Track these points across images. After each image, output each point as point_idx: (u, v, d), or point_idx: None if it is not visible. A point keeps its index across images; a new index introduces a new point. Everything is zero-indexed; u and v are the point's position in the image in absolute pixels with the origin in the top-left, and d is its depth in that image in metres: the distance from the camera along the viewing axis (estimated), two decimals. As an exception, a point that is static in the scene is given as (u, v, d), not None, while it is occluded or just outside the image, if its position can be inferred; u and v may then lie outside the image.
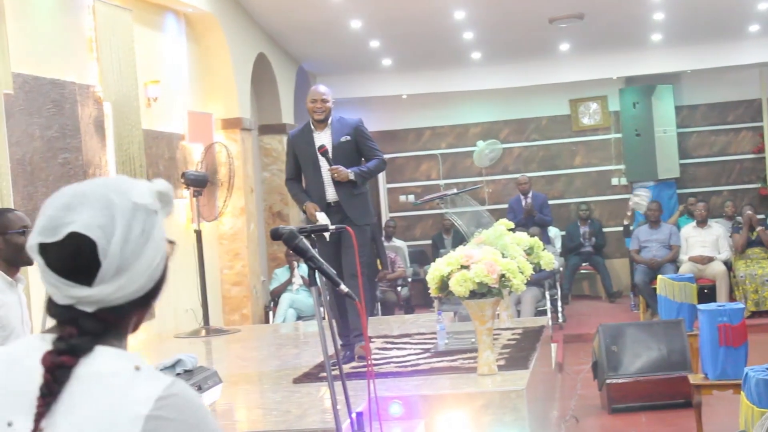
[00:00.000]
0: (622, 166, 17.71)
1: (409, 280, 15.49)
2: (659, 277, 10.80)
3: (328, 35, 14.91)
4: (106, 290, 1.90)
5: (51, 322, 1.95)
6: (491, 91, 17.60)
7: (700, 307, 8.03)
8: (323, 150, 8.08)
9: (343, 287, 4.48)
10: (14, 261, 5.31)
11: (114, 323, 1.95)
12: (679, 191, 17.35)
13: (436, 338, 8.59)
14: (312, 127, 8.31)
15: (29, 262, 5.38)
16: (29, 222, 5.41)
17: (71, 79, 9.39)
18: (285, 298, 13.15)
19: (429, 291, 7.17)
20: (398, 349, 8.67)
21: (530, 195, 15.52)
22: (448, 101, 18.04)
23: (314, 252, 4.44)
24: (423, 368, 7.60)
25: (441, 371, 7.44)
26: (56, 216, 1.90)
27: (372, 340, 9.19)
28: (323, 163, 8.13)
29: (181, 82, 12.36)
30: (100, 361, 1.89)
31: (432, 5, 13.70)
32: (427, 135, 18.50)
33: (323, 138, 8.23)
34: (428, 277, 7.08)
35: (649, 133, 17.02)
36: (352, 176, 8.09)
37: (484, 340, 7.03)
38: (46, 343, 1.91)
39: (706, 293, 13.47)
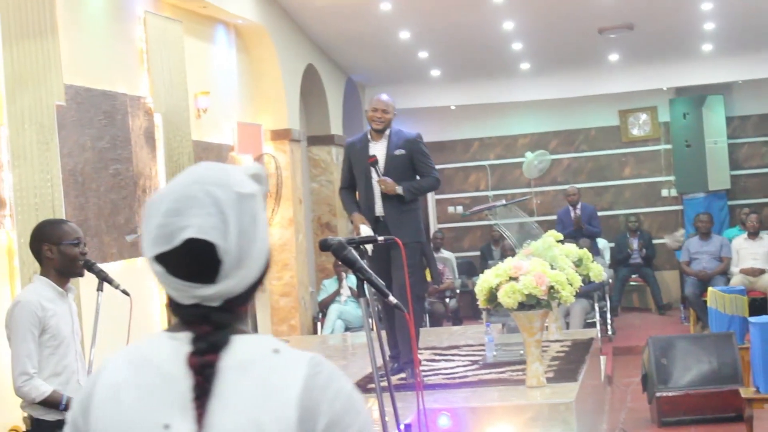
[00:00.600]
0: (672, 178, 17.59)
1: (458, 291, 15.46)
2: (710, 289, 10.73)
3: (376, 46, 14.94)
4: (230, 283, 1.93)
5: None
6: (540, 101, 17.55)
7: (752, 319, 7.98)
8: (372, 160, 7.96)
9: (392, 298, 4.48)
10: (67, 272, 5.37)
11: (240, 309, 1.99)
12: (729, 203, 17.19)
13: (484, 350, 8.57)
14: (369, 136, 8.20)
15: (81, 274, 5.44)
16: (82, 234, 5.47)
17: (122, 91, 9.47)
18: (333, 309, 13.17)
19: (477, 302, 7.15)
20: (446, 360, 8.66)
21: (579, 206, 15.45)
22: (497, 112, 18.00)
23: (363, 263, 4.44)
24: (471, 380, 7.58)
25: (489, 383, 7.42)
26: (167, 223, 1.90)
27: (420, 351, 9.18)
28: (374, 174, 8.01)
29: (231, 93, 12.43)
30: (240, 351, 1.92)
31: (481, 16, 13.69)
32: (475, 146, 18.47)
33: (378, 148, 8.10)
34: (477, 289, 7.07)
35: (699, 143, 16.89)
36: (399, 190, 7.93)
37: (532, 352, 7.01)
38: (177, 342, 1.93)
39: (758, 306, 13.32)
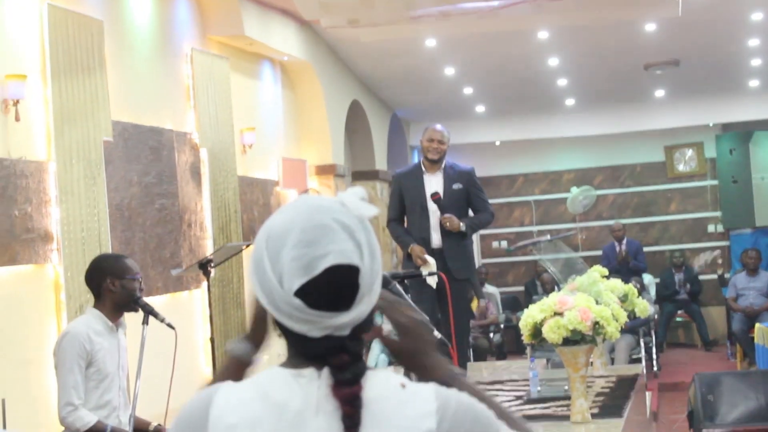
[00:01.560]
0: (718, 213, 17.50)
1: (502, 326, 15.41)
2: (757, 325, 10.65)
3: (421, 82, 15.00)
4: (362, 309, 1.92)
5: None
6: (585, 137, 17.54)
7: (799, 356, 7.90)
8: (437, 197, 7.89)
9: (437, 333, 4.48)
10: (125, 306, 5.43)
11: (365, 339, 1.99)
12: (777, 239, 17.08)
13: (528, 385, 8.52)
14: (423, 168, 8.15)
15: (136, 309, 5.49)
16: (139, 269, 5.56)
17: (169, 127, 9.55)
18: (377, 344, 13.12)
19: (522, 337, 7.12)
20: (491, 395, 8.62)
21: (625, 242, 15.38)
22: (542, 148, 18.00)
23: (407, 297, 4.46)
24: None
25: (534, 418, 7.37)
26: (303, 254, 1.87)
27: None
28: (432, 207, 7.93)
29: (276, 129, 12.50)
30: (374, 385, 1.91)
31: (526, 52, 13.72)
32: (520, 181, 18.48)
33: (434, 181, 8.04)
34: (521, 323, 7.03)
35: (746, 179, 16.80)
36: (463, 227, 7.90)
37: (577, 388, 6.96)
38: (305, 380, 1.90)
39: (806, 342, 13.21)
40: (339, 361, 1.90)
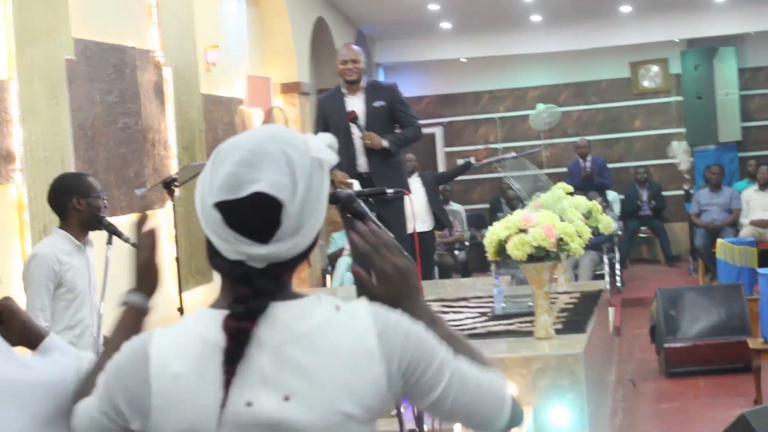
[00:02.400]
0: (682, 130, 17.56)
1: (467, 243, 15.48)
2: (719, 240, 10.75)
3: (386, -1, 14.90)
4: (282, 248, 1.92)
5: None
6: (550, 54, 17.50)
7: (761, 270, 8.00)
8: (352, 116, 7.64)
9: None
10: (90, 224, 5.41)
11: (284, 278, 1.98)
12: (740, 154, 17.16)
13: (493, 302, 8.59)
14: (343, 90, 7.86)
15: (100, 228, 5.47)
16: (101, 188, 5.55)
17: (131, 45, 9.46)
18: (342, 262, 13.19)
19: (486, 255, 7.16)
20: (455, 312, 8.69)
21: (589, 159, 15.43)
22: (507, 64, 17.96)
23: (373, 215, 4.46)
24: (480, 331, 7.61)
25: (498, 335, 7.44)
26: (238, 173, 1.89)
27: (429, 303, 9.21)
28: (355, 130, 7.68)
29: (241, 47, 12.41)
30: (306, 319, 1.92)
31: (490, -32, 13.63)
32: (485, 98, 18.45)
33: (355, 102, 7.79)
34: (486, 241, 7.07)
35: (710, 95, 16.84)
36: (386, 144, 7.65)
37: (541, 304, 7.03)
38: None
39: (767, 257, 13.33)
40: (240, 292, 1.91)
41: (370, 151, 7.63)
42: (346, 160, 7.62)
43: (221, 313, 1.93)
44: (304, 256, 1.98)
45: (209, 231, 1.94)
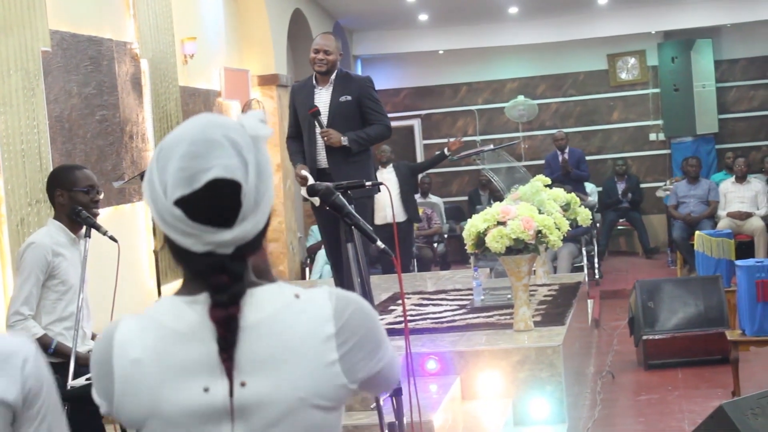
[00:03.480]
0: (660, 122, 17.61)
1: (445, 236, 15.50)
2: (697, 233, 10.77)
3: (364, -10, 14.87)
4: (246, 227, 1.92)
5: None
6: (528, 46, 17.51)
7: (738, 263, 8.01)
8: (313, 111, 7.28)
9: (380, 244, 4.46)
10: (72, 218, 5.38)
11: (250, 259, 1.99)
12: (717, 146, 17.24)
13: (472, 294, 8.60)
14: (314, 81, 7.52)
15: (88, 222, 5.43)
16: (96, 181, 5.49)
17: (108, 36, 9.41)
18: (321, 255, 13.18)
19: (465, 247, 7.16)
20: (434, 305, 8.69)
21: (567, 151, 15.46)
22: (485, 56, 17.96)
23: (350, 208, 4.44)
24: (459, 324, 7.62)
25: (477, 327, 7.45)
26: (187, 166, 1.89)
27: (408, 296, 9.21)
28: (316, 125, 7.38)
29: (218, 39, 12.37)
30: (264, 304, 1.94)
31: (468, -40, 13.62)
32: (463, 91, 18.45)
33: (323, 95, 7.44)
34: (464, 233, 7.07)
35: (687, 88, 16.89)
36: (345, 142, 7.27)
37: (520, 296, 7.04)
38: (199, 306, 1.92)
39: (744, 249, 13.38)
40: (217, 281, 1.91)
41: (331, 147, 7.29)
42: (310, 155, 7.39)
43: (183, 301, 1.95)
44: (263, 233, 2.00)
45: (171, 231, 1.94)
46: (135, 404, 1.93)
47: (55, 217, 5.46)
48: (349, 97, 7.39)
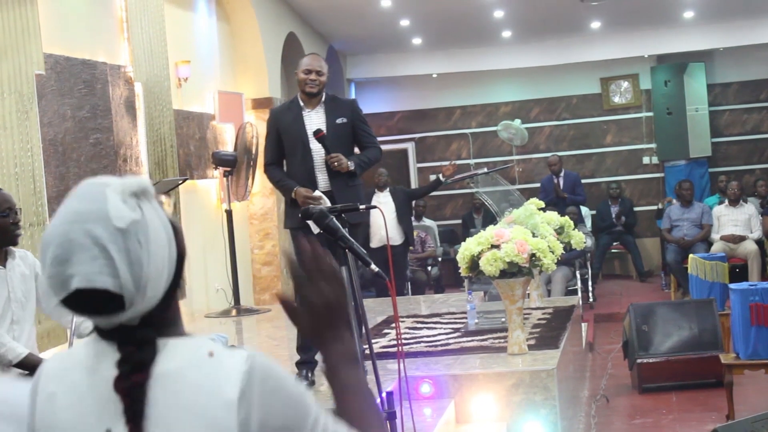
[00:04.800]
0: (653, 145, 17.63)
1: (439, 259, 15.49)
2: (691, 256, 10.76)
3: (358, 14, 14.89)
4: (140, 305, 1.87)
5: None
6: (521, 69, 17.55)
7: (732, 286, 8.00)
8: (320, 135, 6.98)
9: (374, 267, 4.46)
10: None
11: (163, 317, 1.93)
12: (711, 170, 17.27)
13: (466, 318, 8.60)
14: (301, 103, 7.20)
15: (11, 243, 5.30)
16: (14, 203, 5.30)
17: (102, 60, 9.42)
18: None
19: (459, 270, 7.16)
20: (428, 328, 8.69)
21: (562, 175, 15.48)
22: (479, 80, 17.99)
23: (344, 231, 4.44)
24: (453, 348, 7.61)
25: (471, 351, 7.45)
26: (55, 273, 1.85)
27: (402, 319, 9.20)
28: (315, 146, 7.06)
29: (212, 62, 12.38)
30: (173, 358, 1.88)
31: (462, -16, 13.66)
32: (457, 114, 18.47)
33: (315, 118, 7.15)
34: (459, 257, 7.07)
35: (680, 111, 16.93)
36: (352, 167, 7.06)
37: (514, 320, 7.03)
38: (109, 346, 1.89)
39: (738, 272, 13.40)
40: (124, 351, 1.87)
41: (332, 171, 7.05)
42: (305, 178, 7.11)
43: (99, 343, 1.92)
44: (171, 293, 1.94)
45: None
46: None
47: None
48: (345, 120, 7.18)
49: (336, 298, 2.01)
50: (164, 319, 1.94)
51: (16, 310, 5.26)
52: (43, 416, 1.93)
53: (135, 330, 1.88)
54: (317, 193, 6.95)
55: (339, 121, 7.14)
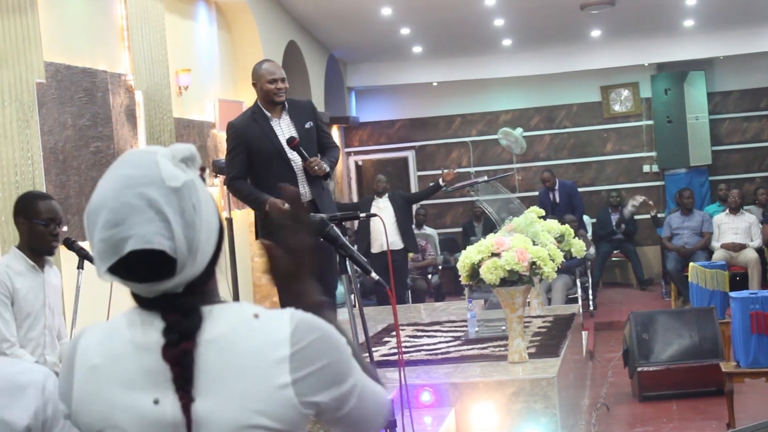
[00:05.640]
0: (653, 153, 17.64)
1: (440, 267, 15.49)
2: (691, 264, 10.75)
3: (358, 23, 14.91)
4: (188, 272, 1.90)
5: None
6: (522, 78, 17.56)
7: (732, 294, 7.99)
8: (295, 143, 6.79)
9: (374, 275, 4.46)
10: (34, 248, 5.33)
11: (205, 286, 1.96)
12: (711, 178, 17.27)
13: (466, 326, 8.59)
14: (267, 113, 7.04)
15: (49, 252, 5.38)
16: (59, 215, 5.40)
17: (103, 68, 9.43)
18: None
19: (460, 278, 7.15)
20: (429, 336, 8.68)
21: (557, 187, 15.47)
22: (479, 88, 18.01)
23: (345, 240, 4.44)
24: (453, 356, 7.60)
25: (471, 359, 7.43)
26: (108, 237, 1.86)
27: (402, 327, 9.19)
28: (293, 156, 6.92)
29: (212, 71, 12.39)
30: (220, 322, 1.91)
31: (462, -8, 13.67)
32: (457, 122, 18.48)
33: (284, 126, 7.02)
34: (459, 265, 7.06)
35: (680, 119, 16.94)
36: (327, 169, 6.92)
37: (514, 328, 7.02)
38: (152, 317, 1.91)
39: (738, 281, 13.40)
40: (170, 319, 1.89)
41: (311, 178, 6.95)
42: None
43: (142, 314, 1.93)
44: (213, 262, 1.98)
45: (121, 284, 1.94)
46: (91, 411, 1.93)
47: (19, 245, 5.42)
48: (311, 123, 7.06)
49: (308, 243, 2.08)
50: (206, 288, 1.96)
51: (48, 316, 5.36)
52: (84, 389, 1.94)
53: (179, 298, 1.90)
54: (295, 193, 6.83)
55: (307, 125, 7.03)
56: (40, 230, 5.31)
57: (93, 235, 1.90)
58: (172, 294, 1.90)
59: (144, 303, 1.94)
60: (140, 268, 1.87)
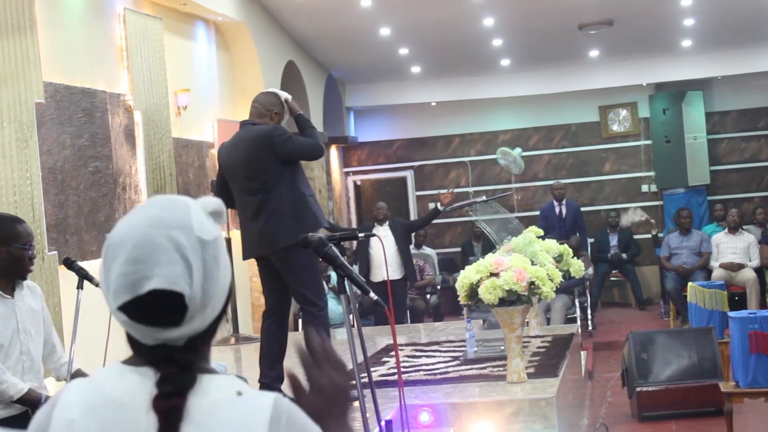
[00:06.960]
0: (652, 173, 17.66)
1: (438, 287, 15.47)
2: (690, 284, 10.75)
3: (357, 43, 14.94)
4: (195, 325, 1.89)
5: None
6: (520, 97, 17.59)
7: (731, 314, 7.99)
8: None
9: (373, 295, 4.46)
10: (10, 273, 5.06)
11: (203, 346, 1.95)
12: (709, 198, 17.28)
13: (465, 346, 8.58)
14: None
15: (23, 276, 5.18)
16: (33, 235, 5.25)
17: (102, 88, 9.45)
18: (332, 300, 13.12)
19: (458, 298, 7.15)
20: (427, 356, 8.67)
21: (564, 202, 15.49)
22: (477, 108, 18.03)
23: (343, 260, 4.44)
24: (452, 376, 7.59)
25: (470, 379, 7.43)
26: (129, 272, 1.85)
27: (401, 347, 9.18)
28: None
29: (211, 91, 12.41)
30: (205, 392, 1.88)
31: (461, 12, 13.71)
32: (456, 142, 18.50)
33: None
34: (457, 285, 7.06)
35: (679, 139, 16.96)
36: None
37: (513, 348, 7.02)
38: (140, 376, 1.88)
39: (737, 300, 13.39)
40: (166, 371, 1.87)
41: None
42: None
43: (128, 370, 1.91)
44: (218, 321, 1.97)
45: (123, 326, 1.92)
46: None
47: None
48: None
49: (342, 385, 2.02)
50: (204, 347, 1.95)
51: (24, 341, 5.16)
52: None
53: (178, 350, 1.89)
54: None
55: None
56: (20, 254, 5.07)
57: (111, 269, 1.88)
58: (171, 346, 1.89)
59: (141, 350, 1.92)
60: (151, 311, 1.86)
